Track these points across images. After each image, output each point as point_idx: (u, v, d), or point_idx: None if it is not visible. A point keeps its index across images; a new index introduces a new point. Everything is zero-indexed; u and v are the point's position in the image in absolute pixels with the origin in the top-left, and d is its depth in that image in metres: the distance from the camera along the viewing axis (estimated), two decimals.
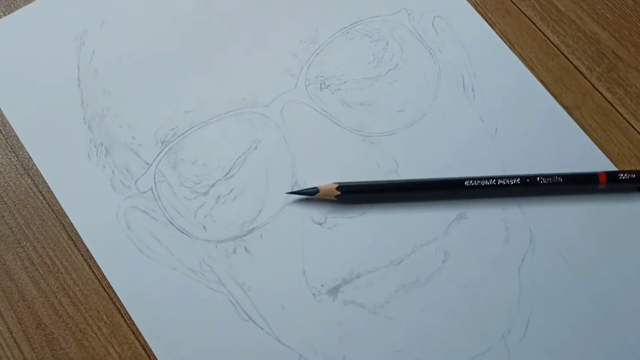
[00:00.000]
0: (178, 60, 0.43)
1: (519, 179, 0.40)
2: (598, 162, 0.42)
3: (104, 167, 0.40)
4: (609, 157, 0.42)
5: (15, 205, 0.40)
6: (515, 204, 0.41)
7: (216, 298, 0.38)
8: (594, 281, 0.39)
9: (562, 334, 0.38)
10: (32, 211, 0.39)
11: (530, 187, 0.40)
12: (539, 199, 0.41)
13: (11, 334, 0.37)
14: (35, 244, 0.39)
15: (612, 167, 0.42)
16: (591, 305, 0.38)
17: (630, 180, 0.41)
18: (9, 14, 0.44)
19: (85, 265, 0.38)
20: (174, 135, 0.41)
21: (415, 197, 0.40)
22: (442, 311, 0.38)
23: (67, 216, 0.39)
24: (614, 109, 0.44)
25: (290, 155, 0.41)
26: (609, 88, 0.44)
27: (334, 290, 0.38)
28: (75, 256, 0.39)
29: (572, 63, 0.45)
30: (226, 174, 0.40)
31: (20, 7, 0.45)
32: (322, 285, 0.38)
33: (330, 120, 0.42)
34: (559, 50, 0.45)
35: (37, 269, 0.38)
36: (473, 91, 0.44)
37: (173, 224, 0.39)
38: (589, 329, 0.38)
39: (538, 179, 0.40)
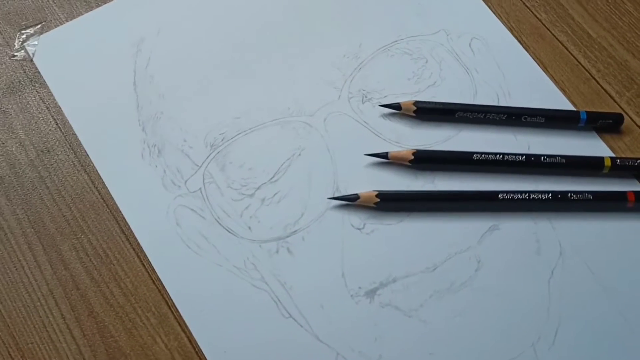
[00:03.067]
0: (229, 69, 0.46)
1: (550, 194, 0.42)
2: (626, 182, 0.44)
3: (156, 166, 0.43)
4: (637, 178, 0.44)
5: (72, 199, 0.42)
6: (546, 218, 0.42)
7: (259, 295, 0.40)
8: (621, 294, 0.40)
9: (589, 343, 0.39)
10: (87, 205, 0.42)
11: (560, 202, 0.42)
12: (569, 214, 0.42)
13: (64, 320, 0.39)
14: (89, 236, 0.41)
15: None
16: (618, 317, 0.40)
17: None
18: (71, 20, 0.47)
19: (136, 258, 0.40)
20: (222, 140, 0.44)
21: (451, 207, 0.42)
22: (474, 317, 0.39)
23: (120, 211, 0.41)
24: None
25: (332, 162, 0.43)
26: (637, 112, 0.46)
27: (371, 293, 0.40)
28: (127, 249, 0.41)
29: (602, 87, 0.47)
30: (271, 178, 0.43)
31: (82, 14, 0.47)
32: (359, 288, 0.40)
33: (371, 132, 0.44)
34: (590, 74, 0.47)
35: (90, 259, 0.40)
36: None
37: (220, 223, 0.41)
38: (616, 340, 0.39)
39: (569, 194, 0.42)
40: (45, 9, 0.47)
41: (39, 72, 0.45)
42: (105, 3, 0.48)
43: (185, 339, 0.39)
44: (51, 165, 0.43)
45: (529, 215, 0.42)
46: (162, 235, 0.41)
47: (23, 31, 0.47)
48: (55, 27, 0.47)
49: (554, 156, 0.43)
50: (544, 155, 0.43)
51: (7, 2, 0.48)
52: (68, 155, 0.43)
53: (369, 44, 0.47)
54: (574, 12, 0.50)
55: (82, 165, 0.43)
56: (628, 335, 0.39)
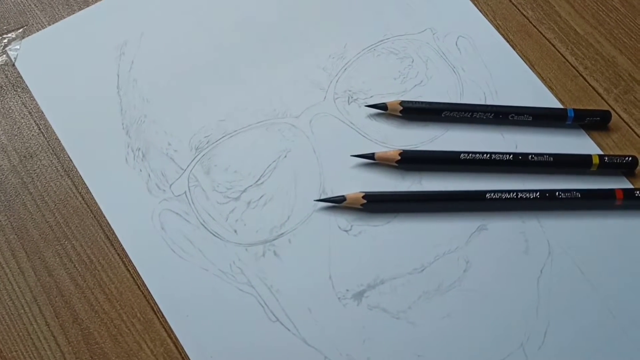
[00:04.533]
0: (213, 71, 0.45)
1: (538, 193, 0.42)
2: (615, 179, 0.44)
3: (141, 171, 0.42)
4: (625, 176, 0.44)
5: (55, 205, 0.41)
6: (534, 217, 0.42)
7: (245, 299, 0.39)
8: (610, 292, 0.40)
9: (579, 342, 0.39)
10: (71, 211, 0.41)
11: (549, 201, 0.42)
12: (558, 213, 0.42)
13: (49, 327, 0.38)
14: (73, 242, 0.40)
15: (629, 185, 0.43)
16: (608, 315, 0.40)
17: None
18: (53, 23, 0.47)
19: (120, 263, 0.40)
20: (207, 143, 0.43)
21: (438, 207, 0.42)
22: (463, 318, 0.39)
23: (104, 216, 0.41)
24: (630, 129, 0.45)
25: (318, 164, 0.43)
26: (625, 109, 0.46)
27: (358, 295, 0.40)
28: (112, 255, 0.40)
29: (590, 84, 0.47)
30: (257, 181, 0.42)
31: (64, 18, 0.47)
32: (347, 290, 0.40)
33: (357, 132, 0.44)
34: (577, 71, 0.47)
35: (75, 266, 0.40)
36: None
37: (205, 227, 0.41)
38: (606, 338, 0.39)
39: (557, 193, 0.42)
40: (27, 13, 0.47)
41: (21, 77, 0.45)
42: (87, 6, 0.47)
43: (171, 344, 0.38)
44: (34, 170, 0.42)
45: (517, 214, 0.42)
46: (147, 240, 0.40)
47: (5, 35, 0.46)
48: (38, 31, 0.46)
49: (542, 155, 0.43)
50: (531, 154, 0.43)
51: None
52: (51, 161, 0.43)
53: (355, 44, 0.47)
54: (560, 9, 0.49)
55: (65, 171, 0.42)
56: (618, 333, 0.39)
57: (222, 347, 0.38)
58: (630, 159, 0.43)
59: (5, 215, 0.41)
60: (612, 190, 0.42)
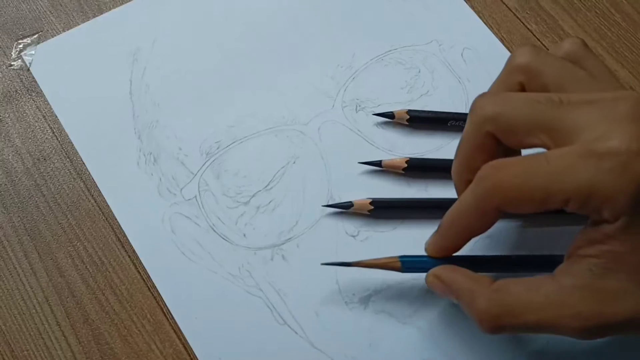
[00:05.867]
0: (223, 78, 0.46)
1: None
2: None
3: (152, 174, 0.43)
4: None
5: (68, 207, 0.42)
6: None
7: (254, 302, 0.40)
8: None
9: (579, 342, 0.39)
10: (83, 213, 0.42)
11: None
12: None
13: (60, 327, 0.39)
14: (85, 243, 0.41)
15: None
16: None
17: None
18: (67, 30, 0.48)
19: (131, 265, 0.41)
20: (217, 148, 0.44)
21: (443, 214, 0.43)
22: (466, 323, 0.40)
23: (116, 219, 0.42)
24: None
25: (326, 171, 0.44)
26: None
27: (365, 300, 0.40)
28: (123, 257, 0.41)
29: None
30: (266, 186, 0.43)
31: (78, 25, 0.48)
32: (354, 294, 0.40)
33: (364, 140, 0.45)
34: None
35: (86, 267, 0.41)
36: None
37: (215, 231, 0.42)
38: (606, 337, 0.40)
39: None
40: (43, 19, 0.48)
41: (35, 81, 0.46)
42: (101, 13, 0.48)
43: (180, 345, 0.39)
44: (47, 173, 0.43)
45: (518, 221, 0.43)
46: (157, 243, 0.41)
47: (20, 41, 0.47)
48: (52, 37, 0.47)
49: None
50: None
51: (5, 12, 0.48)
52: (64, 163, 0.43)
53: (363, 54, 0.48)
54: (564, 23, 0.50)
55: (78, 173, 0.43)
56: None
57: (230, 348, 0.39)
58: None
59: (19, 216, 0.42)
60: None
